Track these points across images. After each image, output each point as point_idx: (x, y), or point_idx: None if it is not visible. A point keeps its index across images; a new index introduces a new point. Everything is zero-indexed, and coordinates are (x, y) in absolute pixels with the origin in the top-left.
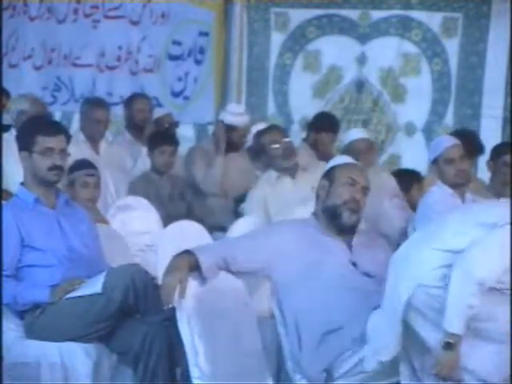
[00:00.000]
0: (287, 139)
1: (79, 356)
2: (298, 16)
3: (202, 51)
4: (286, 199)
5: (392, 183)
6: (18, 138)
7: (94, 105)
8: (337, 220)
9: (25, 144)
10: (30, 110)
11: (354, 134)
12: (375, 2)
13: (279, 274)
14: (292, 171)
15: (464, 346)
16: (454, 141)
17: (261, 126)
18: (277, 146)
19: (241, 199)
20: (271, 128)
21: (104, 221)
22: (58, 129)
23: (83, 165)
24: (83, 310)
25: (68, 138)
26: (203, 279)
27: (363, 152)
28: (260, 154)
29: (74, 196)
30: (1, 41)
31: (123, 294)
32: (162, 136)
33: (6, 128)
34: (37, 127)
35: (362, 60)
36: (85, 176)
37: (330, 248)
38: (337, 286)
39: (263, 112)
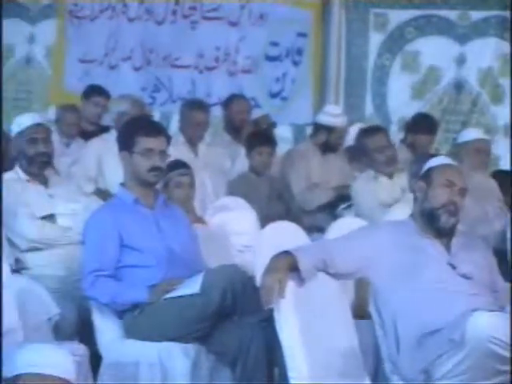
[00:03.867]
0: (392, 146)
1: (178, 356)
2: (397, 16)
3: (299, 52)
4: (383, 200)
5: (493, 185)
6: (119, 139)
7: (194, 107)
8: (434, 222)
9: (125, 144)
10: (131, 111)
11: (471, 133)
12: (474, 3)
13: (377, 276)
14: (390, 172)
15: None
16: None
17: (358, 126)
18: (381, 154)
19: (338, 200)
20: (376, 131)
21: (201, 221)
22: (159, 130)
23: (177, 165)
24: (182, 310)
25: (168, 139)
26: (301, 280)
27: (480, 153)
28: (361, 155)
29: (169, 196)
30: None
31: (221, 294)
32: (260, 137)
33: (106, 129)
34: (138, 128)
35: (460, 61)
36: (179, 176)
37: (427, 250)
38: (435, 288)
39: (361, 113)
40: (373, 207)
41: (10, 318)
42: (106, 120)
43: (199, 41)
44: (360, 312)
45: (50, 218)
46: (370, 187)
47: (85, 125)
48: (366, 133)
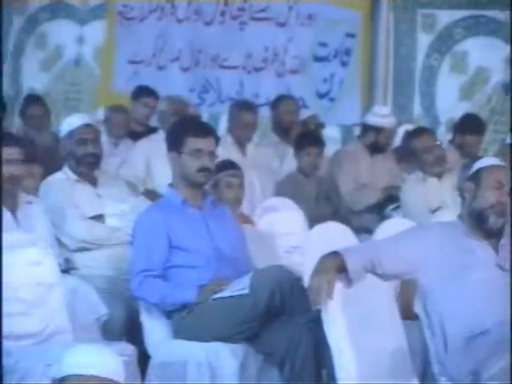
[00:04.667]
0: (439, 146)
1: (226, 356)
2: (445, 17)
3: (347, 52)
4: (431, 201)
5: None
6: (167, 139)
7: (242, 108)
8: (483, 223)
9: (174, 145)
10: (168, 110)
11: None
12: None
13: (425, 277)
14: (439, 173)
15: None
16: None
17: (407, 127)
18: (430, 154)
19: (387, 201)
20: (422, 132)
21: (249, 222)
22: (208, 130)
23: (226, 165)
24: (230, 310)
25: (217, 139)
26: (349, 281)
27: None
28: (409, 156)
29: (219, 197)
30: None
31: (270, 295)
32: (308, 137)
33: (155, 129)
34: (186, 128)
35: (508, 61)
36: (228, 176)
37: (476, 251)
38: (483, 289)
39: (409, 113)
40: (421, 210)
41: (60, 317)
42: (155, 121)
43: (247, 41)
44: (406, 313)
45: (99, 218)
46: (418, 190)
47: (133, 125)
48: (412, 134)
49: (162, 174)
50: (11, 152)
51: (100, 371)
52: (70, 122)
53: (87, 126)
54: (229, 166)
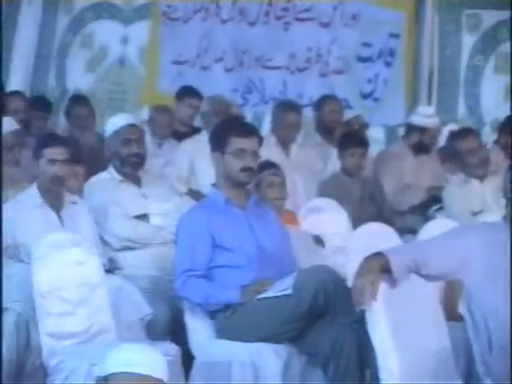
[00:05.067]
0: (484, 148)
1: (269, 356)
2: (490, 17)
3: (392, 53)
4: (472, 203)
5: None
6: (211, 139)
7: (286, 109)
8: None
9: (217, 145)
10: (210, 110)
11: None
12: None
13: (470, 277)
14: (482, 175)
15: None
16: None
17: (451, 127)
18: (474, 156)
19: (431, 201)
20: (467, 134)
21: (293, 222)
22: (251, 130)
23: (267, 165)
24: (274, 310)
25: (260, 139)
26: (393, 281)
27: None
28: (453, 157)
29: (261, 196)
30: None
31: (313, 295)
32: (352, 138)
33: (198, 130)
34: (230, 128)
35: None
36: (270, 176)
37: None
38: None
39: (454, 114)
40: (462, 213)
41: (104, 317)
42: (198, 121)
43: (291, 42)
44: (450, 314)
45: (143, 217)
46: (460, 192)
47: (177, 126)
48: (457, 135)
49: (206, 174)
50: (56, 152)
51: (145, 370)
52: (114, 122)
53: (131, 126)
54: (269, 165)
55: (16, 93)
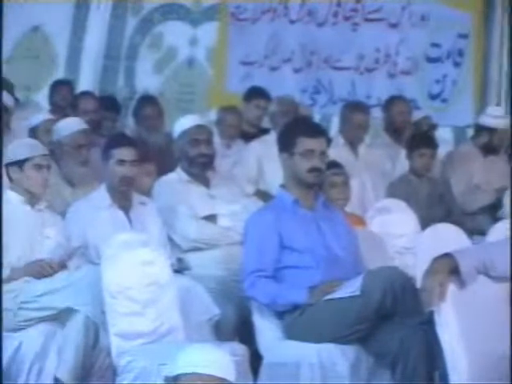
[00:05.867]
0: None
1: (337, 357)
2: None
3: (460, 53)
4: None
5: None
6: (279, 140)
7: (355, 109)
8: None
9: (286, 145)
10: (278, 110)
11: None
12: None
13: None
14: None
15: None
16: None
17: None
18: None
19: (500, 202)
20: None
21: (361, 223)
22: (319, 131)
23: (329, 165)
24: (342, 311)
25: (328, 140)
26: (462, 283)
27: None
28: None
29: (325, 196)
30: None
31: (381, 296)
32: (421, 139)
33: (266, 131)
34: (298, 129)
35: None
36: (332, 176)
37: None
38: None
39: None
40: None
41: (173, 317)
42: (267, 122)
43: (360, 42)
44: None
45: (211, 218)
46: None
47: (245, 127)
48: None
49: (274, 175)
50: (125, 153)
51: (215, 370)
52: (182, 123)
53: (200, 126)
54: (332, 165)
55: (86, 93)
